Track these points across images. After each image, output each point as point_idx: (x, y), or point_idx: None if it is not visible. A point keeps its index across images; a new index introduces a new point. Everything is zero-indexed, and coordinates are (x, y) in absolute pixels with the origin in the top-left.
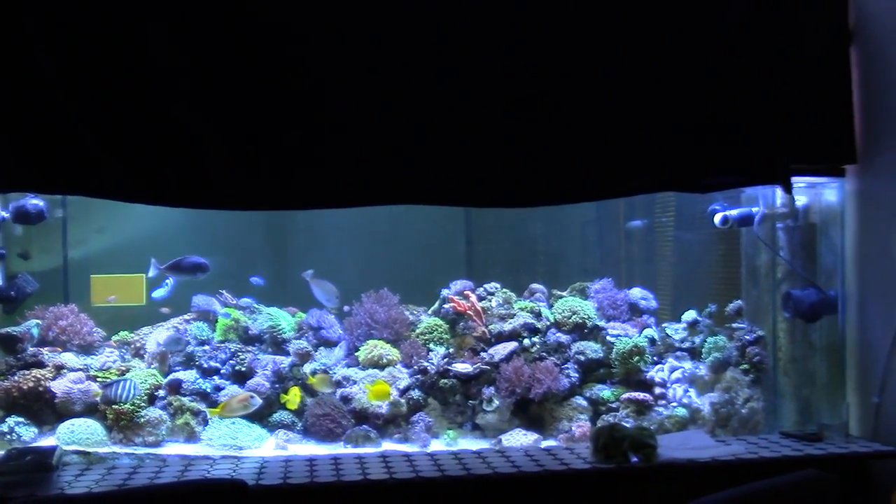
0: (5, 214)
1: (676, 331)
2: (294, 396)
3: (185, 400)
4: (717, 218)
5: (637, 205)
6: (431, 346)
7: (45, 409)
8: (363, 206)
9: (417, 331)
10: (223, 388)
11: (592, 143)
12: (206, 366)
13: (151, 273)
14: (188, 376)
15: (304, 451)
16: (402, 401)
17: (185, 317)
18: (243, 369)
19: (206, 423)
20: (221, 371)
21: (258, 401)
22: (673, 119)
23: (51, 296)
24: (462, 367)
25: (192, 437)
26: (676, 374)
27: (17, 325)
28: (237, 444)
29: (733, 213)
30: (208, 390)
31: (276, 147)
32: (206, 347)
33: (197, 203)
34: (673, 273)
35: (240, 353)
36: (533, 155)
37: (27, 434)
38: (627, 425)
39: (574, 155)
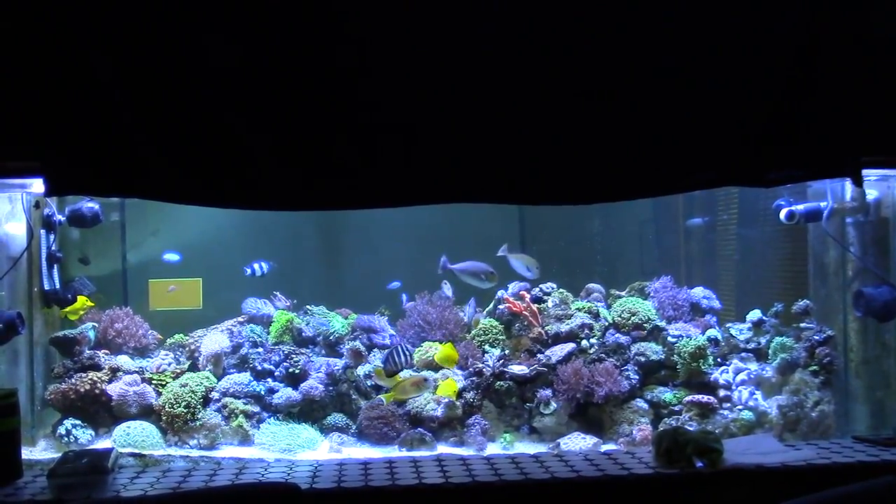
0: (62, 218)
1: (741, 331)
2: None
3: (239, 403)
4: (783, 213)
5: (697, 202)
6: (487, 347)
7: (102, 412)
8: (416, 204)
9: (473, 332)
10: (277, 391)
11: (653, 136)
12: (259, 368)
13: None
14: (242, 378)
15: (358, 454)
16: (458, 403)
17: (239, 319)
18: (297, 371)
19: (258, 425)
20: (275, 373)
21: (433, 381)
22: (737, 110)
23: (110, 300)
24: (518, 368)
25: (245, 439)
26: (742, 376)
27: (74, 327)
28: (291, 446)
29: (800, 207)
30: (262, 393)
31: (330, 146)
32: (260, 350)
33: (249, 204)
34: (735, 272)
35: (293, 356)
36: (592, 150)
37: (84, 437)
38: (691, 429)
39: (634, 149)
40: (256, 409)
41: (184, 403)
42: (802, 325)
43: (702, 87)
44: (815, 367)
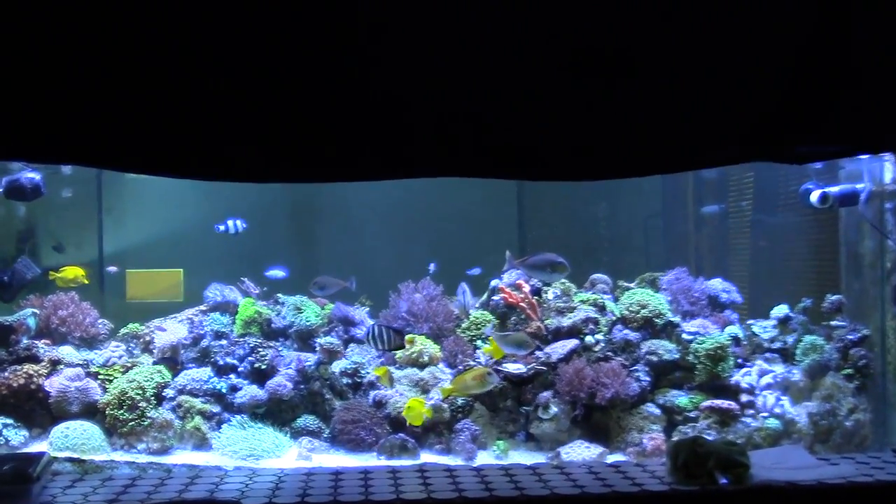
0: None
1: (765, 329)
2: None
3: (197, 401)
4: (815, 196)
5: (708, 187)
6: (479, 343)
7: (38, 410)
8: (406, 178)
9: (463, 325)
10: (240, 389)
11: (670, 108)
12: (221, 362)
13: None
14: (201, 374)
15: (329, 462)
16: (445, 405)
17: (201, 307)
18: (263, 367)
19: (218, 427)
20: (239, 369)
21: (496, 378)
22: (764, 81)
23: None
24: (514, 367)
25: (202, 443)
26: (767, 379)
27: (11, 313)
28: (254, 452)
29: (834, 189)
30: (224, 390)
31: (319, 116)
32: (224, 342)
33: (218, 176)
34: (753, 263)
35: (260, 349)
36: (602, 122)
37: (16, 438)
38: (711, 439)
39: (649, 121)
40: (216, 408)
41: (132, 401)
42: (834, 322)
43: (726, 57)
44: (848, 371)
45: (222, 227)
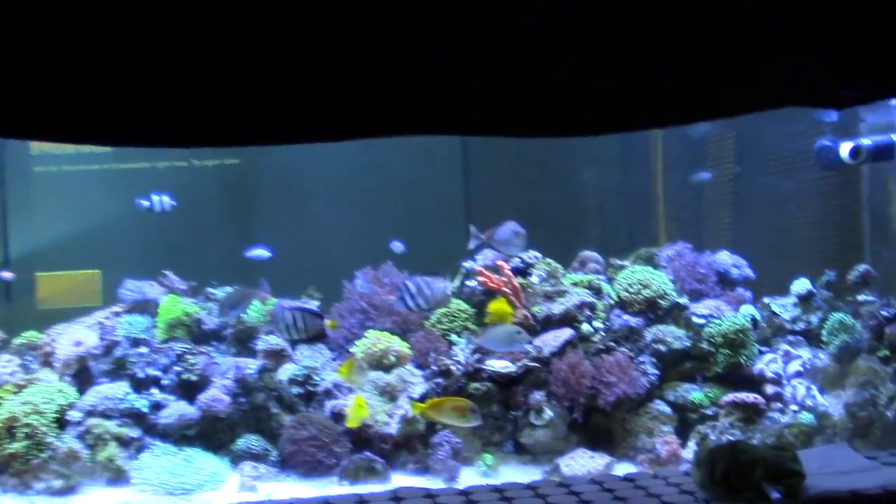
0: None
1: (785, 307)
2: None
3: (111, 425)
4: (846, 149)
5: (703, 147)
6: (453, 338)
7: None
8: (344, 139)
9: (433, 318)
10: (165, 407)
11: (672, 44)
12: (141, 375)
13: None
14: (115, 390)
15: (280, 492)
16: (418, 416)
17: (114, 309)
18: (194, 378)
19: (137, 455)
20: (163, 381)
21: (479, 418)
22: (791, 8)
23: None
24: (500, 364)
25: (118, 477)
26: (795, 366)
27: None
28: (183, 485)
29: (866, 142)
30: (144, 409)
31: (244, 75)
32: (143, 349)
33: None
34: (763, 233)
35: (189, 356)
36: (583, 62)
37: None
38: (754, 443)
39: (641, 59)
40: (135, 432)
41: (28, 429)
42: (861, 297)
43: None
44: (884, 353)
45: (145, 202)
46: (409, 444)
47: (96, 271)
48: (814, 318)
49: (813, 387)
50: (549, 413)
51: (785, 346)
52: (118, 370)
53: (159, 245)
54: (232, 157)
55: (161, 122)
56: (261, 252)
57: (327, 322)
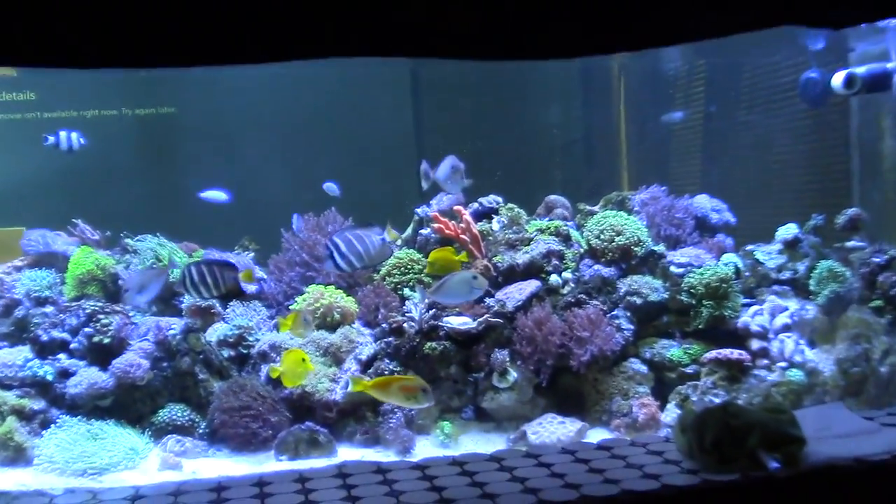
0: None
1: (770, 255)
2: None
3: (10, 395)
4: (839, 78)
5: (672, 83)
6: (406, 292)
7: None
8: (279, 60)
9: (382, 271)
10: (74, 373)
11: None
12: (45, 338)
13: None
14: (14, 356)
15: (209, 469)
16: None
17: (16, 262)
18: (107, 341)
19: (41, 431)
20: (71, 345)
21: (432, 400)
22: None
23: None
24: (458, 321)
25: (18, 456)
26: (783, 319)
27: None
28: (95, 464)
29: (860, 70)
30: (49, 377)
31: None
32: (49, 309)
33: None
34: (741, 177)
35: (102, 316)
36: None
37: None
38: (743, 404)
39: None
40: (39, 404)
41: None
42: (850, 243)
43: None
44: (877, 302)
45: (51, 138)
46: (357, 413)
47: (20, 228)
48: (801, 267)
49: (801, 341)
50: (513, 374)
51: (772, 297)
52: (18, 333)
53: (86, 198)
54: (168, 106)
55: (72, 42)
56: (217, 194)
57: (241, 274)
